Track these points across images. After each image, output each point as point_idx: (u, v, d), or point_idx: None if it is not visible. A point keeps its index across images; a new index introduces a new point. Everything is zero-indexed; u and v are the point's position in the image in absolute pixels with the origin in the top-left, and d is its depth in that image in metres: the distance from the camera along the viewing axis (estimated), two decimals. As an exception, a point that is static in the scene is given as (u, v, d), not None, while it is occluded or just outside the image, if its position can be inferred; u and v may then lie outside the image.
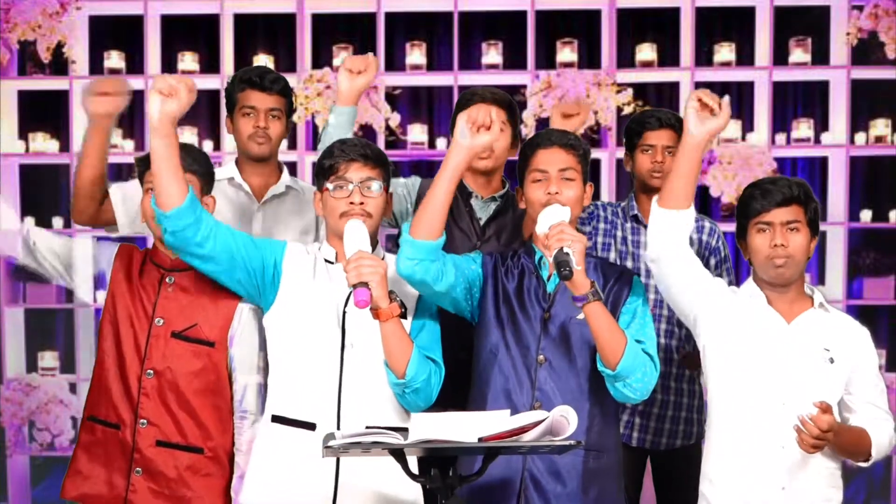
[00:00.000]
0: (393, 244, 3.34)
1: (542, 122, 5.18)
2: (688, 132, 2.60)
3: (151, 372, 2.75)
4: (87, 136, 3.02)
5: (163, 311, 2.78)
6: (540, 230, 2.52)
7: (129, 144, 5.53)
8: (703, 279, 2.75)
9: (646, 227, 3.45)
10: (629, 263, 3.42)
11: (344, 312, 2.62)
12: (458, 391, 2.75)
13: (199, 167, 2.81)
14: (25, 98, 5.55)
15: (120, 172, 5.68)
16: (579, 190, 2.64)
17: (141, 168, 2.83)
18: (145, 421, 2.75)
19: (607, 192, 5.29)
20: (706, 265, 3.45)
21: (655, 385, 2.59)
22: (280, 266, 2.66)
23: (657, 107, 4.81)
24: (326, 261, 2.71)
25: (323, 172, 2.67)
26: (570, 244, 2.41)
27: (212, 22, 5.46)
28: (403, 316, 2.52)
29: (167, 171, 2.53)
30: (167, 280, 2.81)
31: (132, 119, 5.67)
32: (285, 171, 3.42)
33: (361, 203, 2.61)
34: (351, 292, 2.46)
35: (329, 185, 2.64)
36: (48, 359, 5.39)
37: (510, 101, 3.24)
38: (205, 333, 2.78)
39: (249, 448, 2.77)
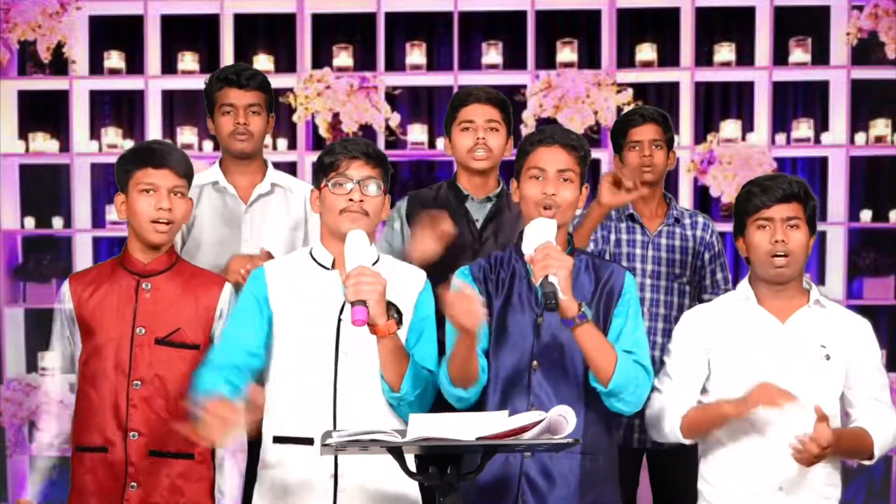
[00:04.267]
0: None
1: (542, 123, 5.18)
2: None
3: (139, 382, 2.72)
4: None
5: (143, 319, 2.74)
6: (526, 250, 2.46)
7: (129, 145, 5.53)
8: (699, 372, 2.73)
9: (641, 225, 3.46)
10: (623, 264, 3.41)
11: (339, 320, 2.59)
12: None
13: (185, 170, 2.76)
14: (25, 98, 5.55)
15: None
16: (576, 192, 2.59)
17: (130, 167, 2.74)
18: (136, 433, 2.71)
19: (607, 192, 5.29)
20: (700, 260, 3.45)
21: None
22: (267, 302, 2.62)
23: (657, 107, 4.81)
24: (321, 265, 2.66)
25: (323, 169, 2.64)
26: (556, 271, 2.35)
27: (212, 22, 5.46)
28: (399, 322, 2.47)
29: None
30: (143, 287, 2.76)
31: (132, 119, 5.68)
32: (270, 167, 3.39)
33: (361, 201, 2.59)
34: (345, 304, 2.44)
35: (328, 183, 2.61)
36: (48, 359, 5.39)
37: (504, 99, 3.24)
38: (189, 337, 2.75)
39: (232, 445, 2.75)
